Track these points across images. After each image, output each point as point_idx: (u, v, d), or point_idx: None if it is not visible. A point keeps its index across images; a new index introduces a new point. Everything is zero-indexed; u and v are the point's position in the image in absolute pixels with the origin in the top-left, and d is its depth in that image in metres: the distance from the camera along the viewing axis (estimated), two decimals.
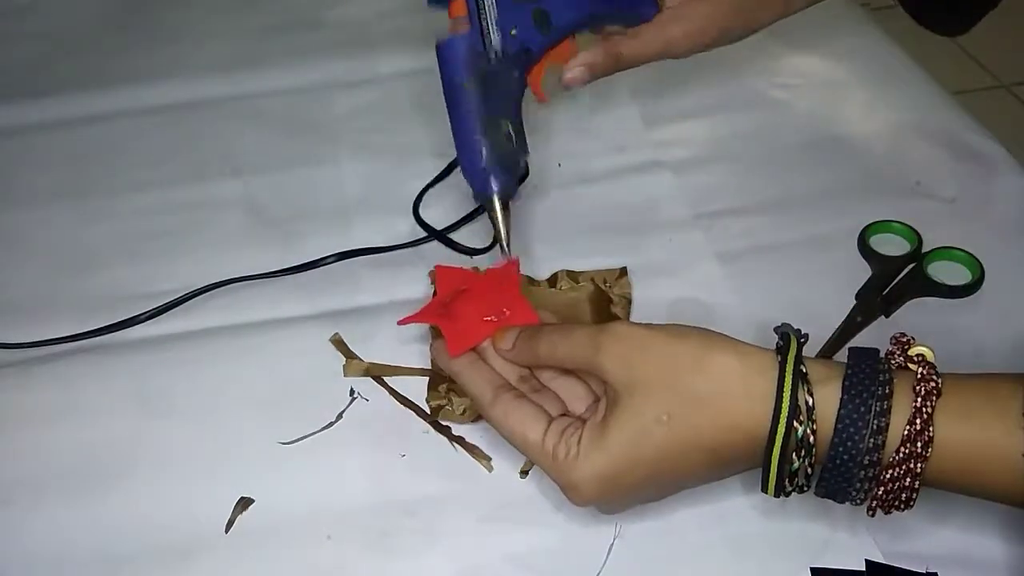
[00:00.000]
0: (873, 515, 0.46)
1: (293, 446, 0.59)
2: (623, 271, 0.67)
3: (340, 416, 0.61)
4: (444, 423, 0.60)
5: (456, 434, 0.59)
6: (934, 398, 0.43)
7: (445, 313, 0.55)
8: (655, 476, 0.47)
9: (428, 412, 0.60)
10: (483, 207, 0.58)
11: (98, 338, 0.66)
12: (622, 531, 0.54)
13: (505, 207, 0.57)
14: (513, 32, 0.56)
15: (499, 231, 0.57)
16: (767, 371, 0.45)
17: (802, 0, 0.64)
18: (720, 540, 0.54)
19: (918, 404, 0.43)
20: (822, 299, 0.66)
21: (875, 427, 0.43)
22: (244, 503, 0.56)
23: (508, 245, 0.57)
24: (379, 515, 0.56)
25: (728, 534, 0.54)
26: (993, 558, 0.51)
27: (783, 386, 0.44)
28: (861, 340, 0.64)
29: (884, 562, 0.52)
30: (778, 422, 0.44)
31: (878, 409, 0.43)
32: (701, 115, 0.79)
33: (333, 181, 0.79)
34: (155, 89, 0.88)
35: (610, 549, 0.53)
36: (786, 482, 0.45)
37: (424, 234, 0.73)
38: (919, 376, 0.44)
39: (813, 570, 0.52)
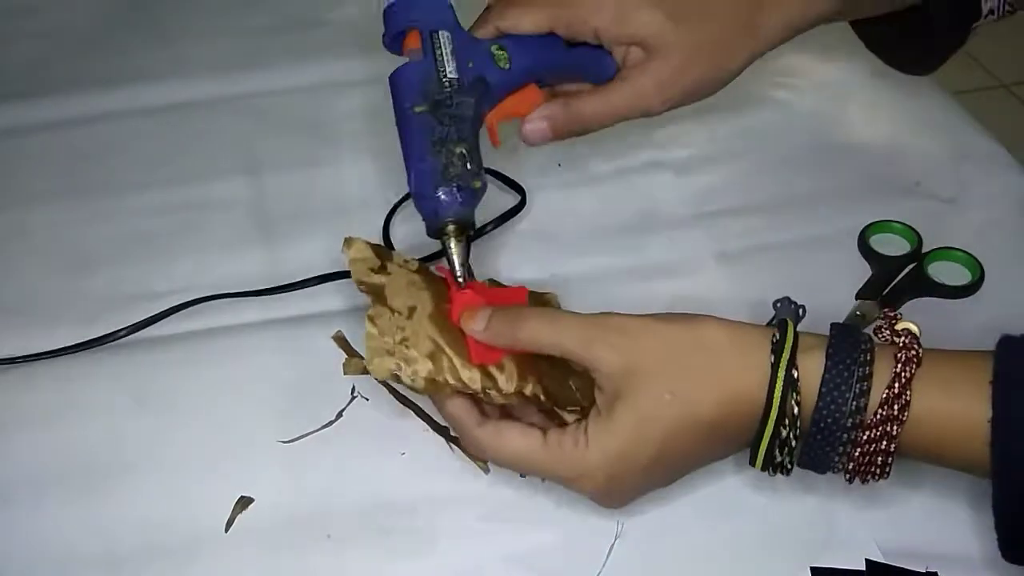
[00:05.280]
0: (851, 482, 0.48)
1: (293, 445, 0.59)
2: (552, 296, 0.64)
3: (340, 415, 0.61)
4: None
5: (454, 435, 0.59)
6: (913, 366, 0.46)
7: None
8: (662, 456, 0.48)
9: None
10: (439, 236, 0.54)
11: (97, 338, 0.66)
12: (623, 531, 0.54)
13: (460, 233, 0.54)
14: (470, 64, 0.57)
15: (452, 261, 0.54)
16: (760, 343, 0.48)
17: (775, 31, 0.61)
18: (720, 540, 0.54)
19: (897, 369, 0.46)
20: (822, 299, 0.66)
21: (857, 390, 0.46)
22: (244, 503, 0.56)
23: (463, 277, 0.54)
24: (379, 515, 0.56)
25: (728, 534, 0.54)
26: (993, 558, 0.51)
27: (779, 361, 0.47)
28: None
29: (884, 562, 0.52)
30: (774, 390, 0.46)
31: (860, 374, 0.46)
32: (701, 115, 0.79)
33: (333, 182, 0.79)
34: (155, 89, 0.88)
35: (610, 549, 0.53)
36: (776, 452, 0.48)
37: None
38: (901, 344, 0.47)
39: (813, 570, 0.52)
